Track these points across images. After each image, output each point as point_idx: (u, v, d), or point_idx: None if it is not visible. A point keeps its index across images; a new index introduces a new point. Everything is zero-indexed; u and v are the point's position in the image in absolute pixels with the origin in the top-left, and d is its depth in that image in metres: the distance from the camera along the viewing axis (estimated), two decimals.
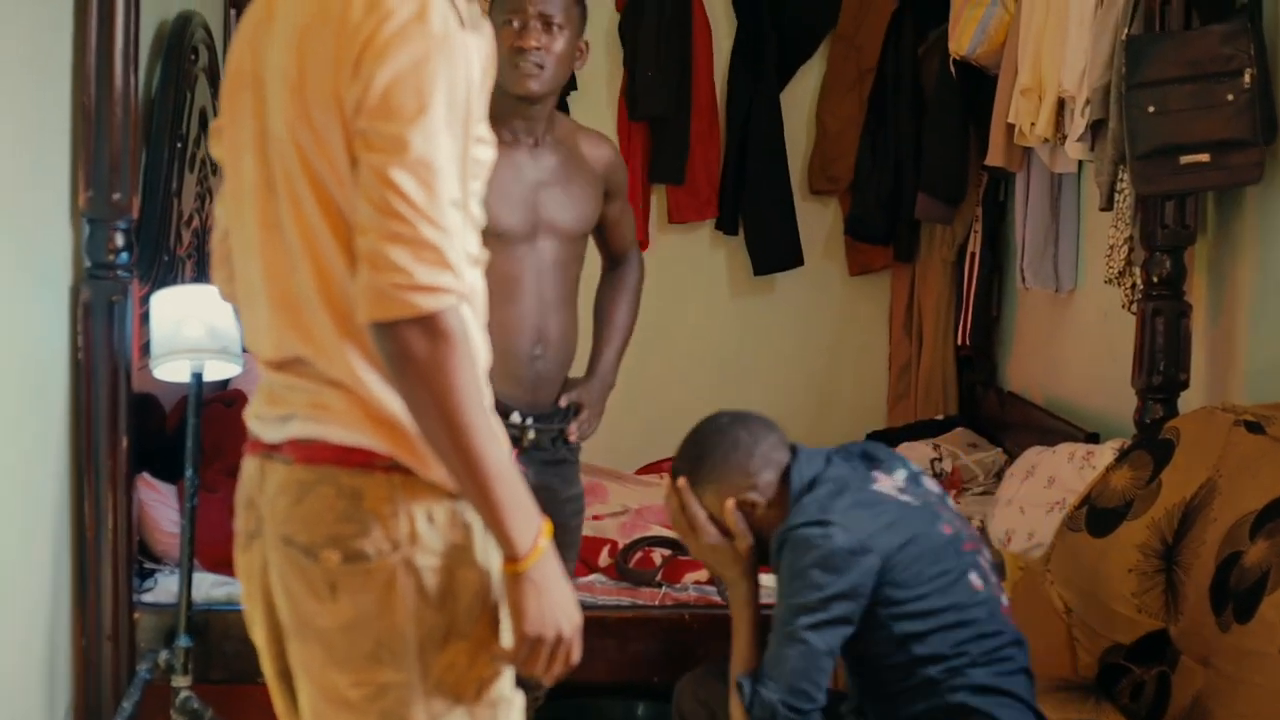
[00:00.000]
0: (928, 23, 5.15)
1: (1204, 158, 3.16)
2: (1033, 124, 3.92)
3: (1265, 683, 2.43)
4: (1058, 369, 4.65)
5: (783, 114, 5.46)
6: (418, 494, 1.67)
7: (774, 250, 5.47)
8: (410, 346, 1.57)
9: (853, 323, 5.67)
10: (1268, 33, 3.18)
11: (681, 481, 2.61)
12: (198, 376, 3.32)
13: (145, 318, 3.41)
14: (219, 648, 3.36)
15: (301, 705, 1.79)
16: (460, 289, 1.60)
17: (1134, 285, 3.53)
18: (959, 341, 5.27)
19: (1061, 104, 3.78)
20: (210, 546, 3.36)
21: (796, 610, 2.43)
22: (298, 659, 1.76)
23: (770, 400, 5.56)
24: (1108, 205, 3.55)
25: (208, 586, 3.42)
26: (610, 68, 5.47)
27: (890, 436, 5.07)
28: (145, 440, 3.40)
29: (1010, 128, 4.19)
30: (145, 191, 3.52)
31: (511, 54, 2.81)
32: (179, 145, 3.77)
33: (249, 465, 1.80)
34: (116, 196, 3.20)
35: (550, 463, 3.01)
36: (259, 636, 1.84)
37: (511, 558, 1.67)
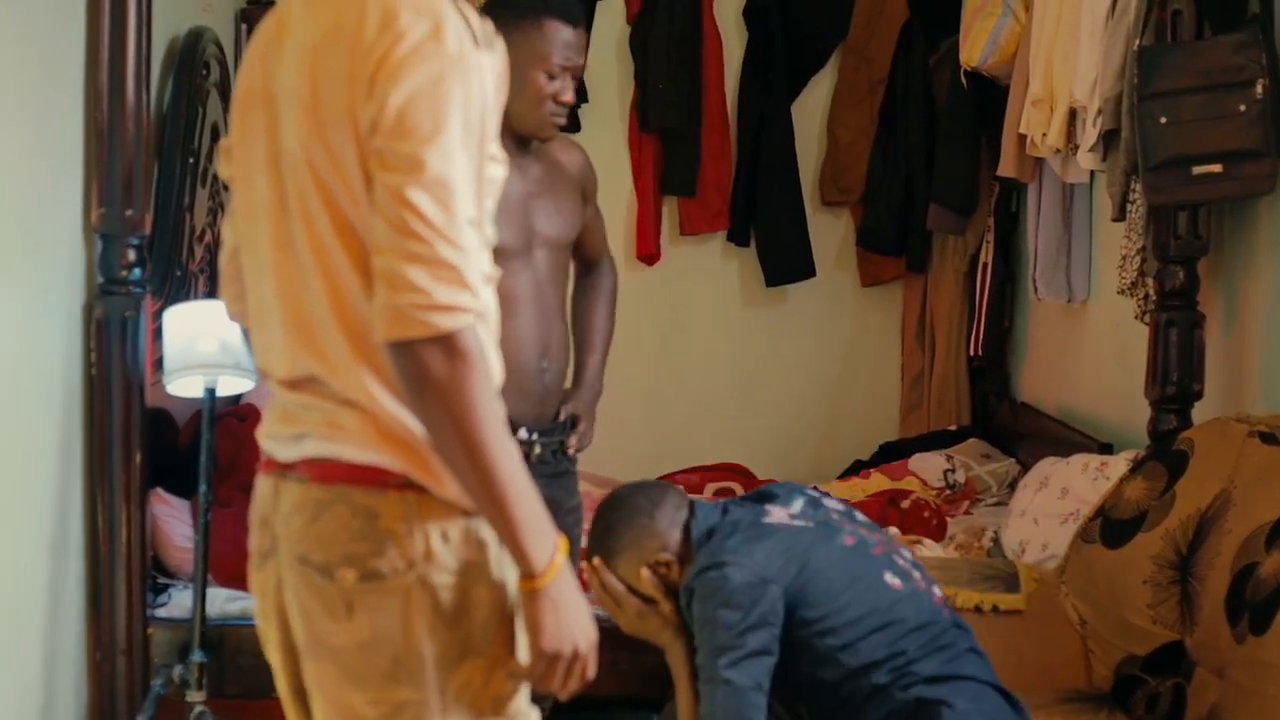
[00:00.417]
0: (939, 33, 5.15)
1: (1216, 168, 3.15)
2: (1044, 135, 3.91)
3: None
4: (1071, 380, 4.64)
5: (794, 125, 5.46)
6: (432, 512, 1.67)
7: (786, 261, 5.47)
8: (428, 366, 1.57)
9: (865, 334, 5.66)
10: (1279, 43, 3.18)
11: (596, 561, 2.65)
12: (211, 392, 3.32)
13: (158, 333, 3.42)
14: (233, 662, 3.37)
15: None
16: (478, 308, 1.60)
17: (1147, 296, 3.52)
18: (971, 352, 5.26)
19: (1073, 114, 3.77)
20: (224, 561, 3.36)
21: (714, 653, 2.45)
22: (313, 678, 1.76)
23: (783, 412, 5.61)
24: (1120, 216, 3.55)
25: (222, 601, 3.42)
26: (621, 80, 5.47)
27: (903, 447, 5.07)
28: (159, 456, 3.41)
29: (1022, 138, 4.18)
30: (158, 207, 3.53)
31: (543, 100, 2.84)
32: (191, 160, 3.78)
33: (263, 484, 1.80)
34: (129, 212, 3.21)
35: (553, 475, 3.02)
36: (274, 655, 1.84)
37: (529, 575, 1.67)
